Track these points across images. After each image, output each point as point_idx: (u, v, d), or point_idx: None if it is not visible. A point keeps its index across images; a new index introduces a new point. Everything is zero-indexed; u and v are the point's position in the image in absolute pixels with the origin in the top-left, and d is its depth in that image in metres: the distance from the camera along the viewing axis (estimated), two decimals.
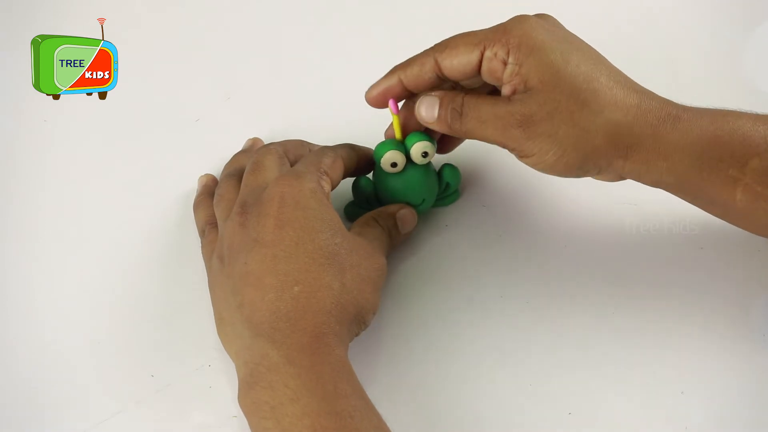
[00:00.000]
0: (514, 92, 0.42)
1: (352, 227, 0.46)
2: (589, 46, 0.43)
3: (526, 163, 0.43)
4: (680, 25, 0.62)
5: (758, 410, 0.43)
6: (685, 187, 0.43)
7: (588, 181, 0.45)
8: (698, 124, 0.41)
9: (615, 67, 0.43)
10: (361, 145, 0.49)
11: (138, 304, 0.47)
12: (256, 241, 0.41)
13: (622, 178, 0.44)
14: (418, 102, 0.45)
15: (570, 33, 0.43)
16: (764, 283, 0.47)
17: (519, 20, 0.42)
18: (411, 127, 0.46)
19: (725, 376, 0.44)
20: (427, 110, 0.44)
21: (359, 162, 0.48)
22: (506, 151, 0.43)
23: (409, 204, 0.48)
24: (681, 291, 0.47)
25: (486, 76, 0.43)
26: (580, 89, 0.41)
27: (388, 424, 0.38)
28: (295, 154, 0.48)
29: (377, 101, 0.46)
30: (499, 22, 0.43)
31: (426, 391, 0.43)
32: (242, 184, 0.45)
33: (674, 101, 0.42)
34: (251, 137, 0.54)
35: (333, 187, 0.45)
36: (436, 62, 0.43)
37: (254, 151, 0.49)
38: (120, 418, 0.43)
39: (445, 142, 0.49)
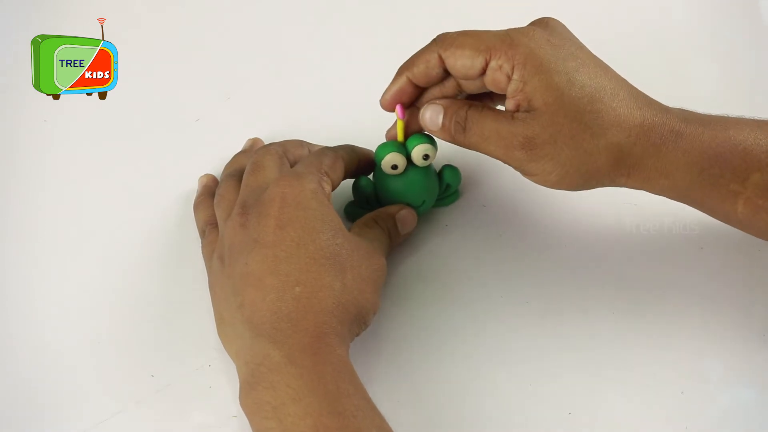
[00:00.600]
0: (517, 108, 0.42)
1: (352, 228, 0.46)
2: (595, 57, 0.43)
3: (530, 179, 0.43)
4: (680, 25, 0.62)
5: (758, 410, 0.43)
6: (687, 200, 0.43)
7: None
8: (700, 140, 0.41)
9: (620, 79, 0.43)
10: (361, 145, 0.49)
11: (138, 304, 0.47)
12: (257, 241, 0.41)
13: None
14: (422, 109, 0.45)
15: (575, 44, 0.43)
16: (764, 283, 0.47)
17: (526, 33, 0.41)
18: (413, 129, 0.46)
19: (725, 376, 0.44)
20: (432, 118, 0.44)
21: (359, 163, 0.48)
22: None
23: (409, 205, 0.48)
24: (681, 291, 0.47)
25: (489, 85, 0.42)
26: (583, 111, 0.40)
27: (389, 424, 0.38)
28: (294, 155, 0.48)
29: (392, 105, 0.45)
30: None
31: (426, 390, 0.43)
32: (242, 184, 0.45)
33: (676, 109, 0.42)
34: (251, 137, 0.54)
35: (333, 188, 0.45)
36: (441, 58, 0.43)
37: (254, 151, 0.49)
38: (120, 418, 0.43)
39: None
